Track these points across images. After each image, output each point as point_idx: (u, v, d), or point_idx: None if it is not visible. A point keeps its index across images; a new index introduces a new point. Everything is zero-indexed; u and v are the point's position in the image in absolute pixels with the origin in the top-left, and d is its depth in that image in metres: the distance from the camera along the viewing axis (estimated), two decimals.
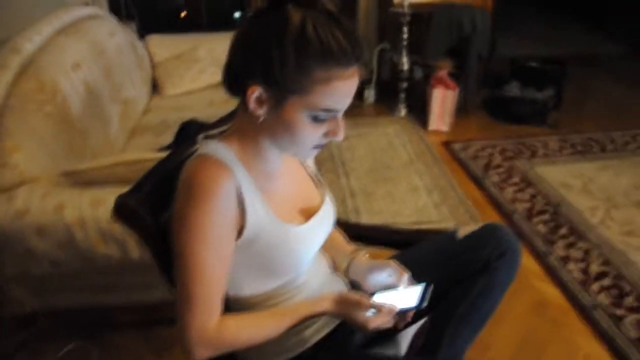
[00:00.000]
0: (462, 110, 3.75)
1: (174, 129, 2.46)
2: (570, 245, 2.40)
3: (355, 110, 4.03)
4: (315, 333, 1.10)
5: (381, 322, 0.98)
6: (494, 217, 2.64)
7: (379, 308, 0.97)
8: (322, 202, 1.11)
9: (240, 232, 0.94)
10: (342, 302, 0.99)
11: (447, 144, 3.39)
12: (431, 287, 1.04)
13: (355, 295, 1.00)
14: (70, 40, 2.35)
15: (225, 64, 0.92)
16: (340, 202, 2.72)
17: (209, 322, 0.92)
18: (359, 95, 4.13)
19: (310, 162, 1.18)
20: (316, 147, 0.95)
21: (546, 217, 2.61)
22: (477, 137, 3.50)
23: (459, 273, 1.16)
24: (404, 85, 3.76)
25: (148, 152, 2.17)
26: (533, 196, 2.79)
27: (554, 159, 3.19)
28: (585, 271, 2.24)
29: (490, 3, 3.68)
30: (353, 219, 2.61)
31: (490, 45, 4.34)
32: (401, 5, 3.46)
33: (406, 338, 1.24)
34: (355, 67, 0.87)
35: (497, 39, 4.63)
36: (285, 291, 1.05)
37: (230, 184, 0.90)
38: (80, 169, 1.71)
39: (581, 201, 2.73)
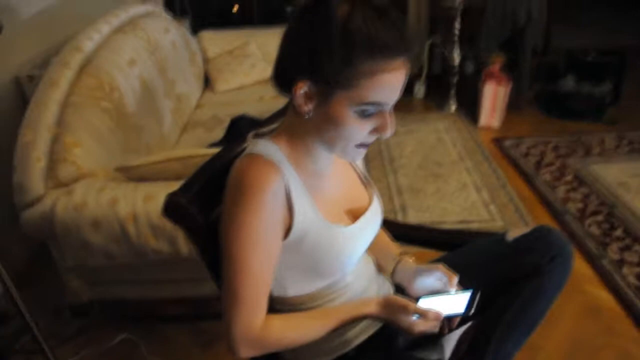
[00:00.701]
0: (514, 105, 3.64)
1: (225, 124, 2.52)
2: (625, 248, 2.31)
3: (405, 105, 3.99)
4: (359, 334, 1.10)
5: (426, 327, 0.97)
6: (544, 217, 2.56)
7: (424, 313, 0.96)
8: (370, 202, 1.11)
9: (287, 232, 0.95)
10: (387, 305, 0.99)
11: (497, 141, 3.32)
12: (479, 294, 1.02)
13: (401, 299, 0.99)
14: (127, 38, 2.43)
15: (275, 60, 0.93)
16: (387, 199, 2.71)
17: (254, 321, 0.94)
18: (409, 90, 4.08)
19: (359, 162, 1.17)
20: (362, 145, 0.92)
21: (600, 218, 2.52)
22: (528, 133, 3.40)
23: (507, 277, 1.13)
24: (455, 80, 3.69)
25: (199, 147, 2.22)
26: (586, 196, 2.70)
27: (610, 157, 3.07)
28: None
29: None
30: (400, 216, 2.59)
31: (545, 38, 4.21)
32: None
33: (450, 342, 1.23)
34: (403, 60, 0.85)
35: (552, 30, 4.47)
36: (330, 292, 1.06)
37: (279, 183, 0.91)
38: (133, 164, 1.77)
39: (638, 202, 2.61)
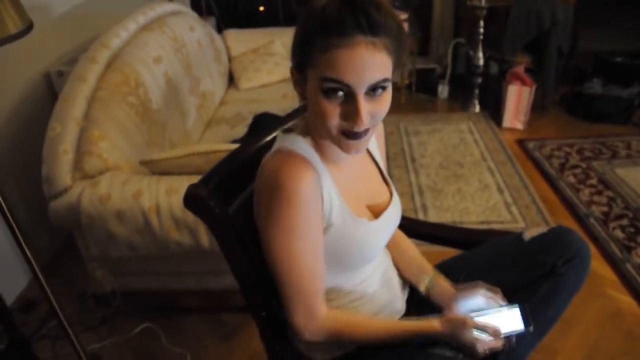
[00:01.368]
0: (538, 107, 3.61)
1: (248, 121, 2.55)
2: None
3: (429, 105, 3.99)
4: None
5: (490, 344, 0.99)
6: (567, 220, 2.54)
7: (483, 327, 0.98)
8: (390, 199, 1.12)
9: None
10: (448, 321, 1.01)
11: (521, 142, 3.29)
12: (527, 307, 1.03)
13: (459, 315, 1.02)
14: (153, 35, 2.48)
15: None
16: (408, 198, 2.71)
17: (315, 312, 0.98)
18: (433, 90, 4.07)
19: (380, 158, 1.18)
20: (344, 134, 0.89)
21: (624, 222, 2.48)
22: (553, 135, 3.36)
23: (524, 276, 1.14)
24: (479, 80, 3.67)
25: (222, 143, 2.25)
26: (611, 199, 2.66)
27: (637, 160, 3.01)
28: None
29: None
30: (421, 215, 2.59)
31: (572, 40, 4.15)
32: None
33: None
34: (362, 40, 0.82)
35: (580, 33, 4.40)
36: (351, 285, 1.07)
37: (315, 179, 0.92)
38: (157, 158, 1.80)
39: None
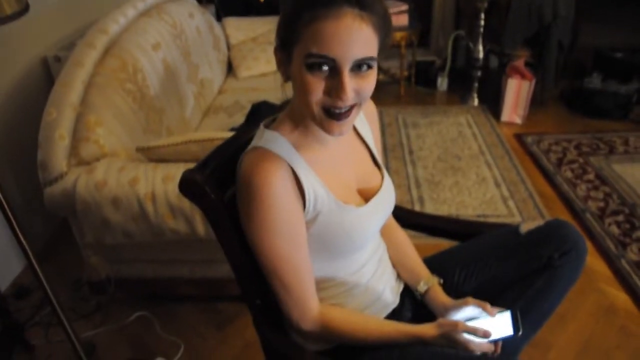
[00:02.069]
0: (538, 102, 3.60)
1: (246, 110, 2.54)
2: None
3: (428, 98, 3.98)
4: None
5: (482, 348, 1.00)
6: (563, 214, 2.54)
7: (473, 330, 0.99)
8: (381, 183, 1.11)
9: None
10: (441, 325, 1.02)
11: (519, 136, 3.28)
12: (518, 313, 1.03)
13: (450, 320, 1.03)
14: (152, 21, 2.46)
15: None
16: (405, 190, 2.70)
17: (309, 304, 1.00)
18: (432, 82, 4.06)
19: (372, 141, 1.17)
20: (327, 111, 0.88)
21: (620, 217, 2.49)
22: (551, 130, 3.36)
23: (519, 269, 1.14)
24: (478, 73, 3.65)
25: (220, 131, 2.24)
26: (608, 195, 2.66)
27: (635, 156, 3.01)
28: None
29: None
30: (417, 207, 2.59)
31: (573, 35, 4.13)
32: None
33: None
34: (349, 11, 0.81)
35: (581, 27, 4.39)
36: (341, 274, 1.07)
37: (285, 174, 0.92)
38: (154, 145, 1.79)
39: None
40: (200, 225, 1.70)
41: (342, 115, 0.88)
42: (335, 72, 0.85)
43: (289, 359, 1.06)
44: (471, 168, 2.94)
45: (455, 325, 1.00)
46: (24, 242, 1.49)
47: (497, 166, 2.94)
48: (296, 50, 0.86)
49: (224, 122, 2.60)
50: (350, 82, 0.85)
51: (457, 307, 1.08)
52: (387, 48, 0.91)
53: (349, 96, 0.85)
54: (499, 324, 1.04)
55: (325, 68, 0.85)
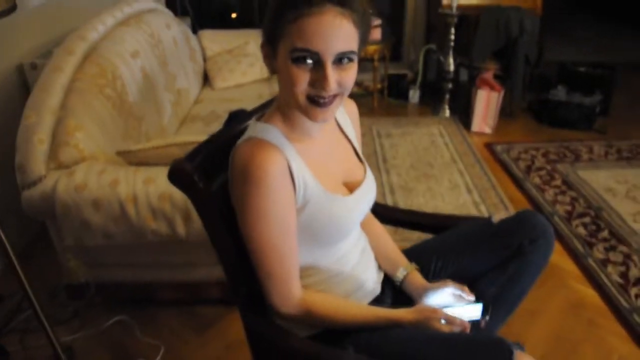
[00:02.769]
0: (507, 113, 3.74)
1: (223, 119, 2.53)
2: (610, 249, 2.38)
3: (400, 109, 4.08)
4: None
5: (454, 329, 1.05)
6: None
7: (452, 320, 1.04)
8: (364, 177, 1.16)
9: None
10: (419, 311, 1.07)
11: (489, 145, 3.39)
12: (490, 306, 1.09)
13: (430, 307, 1.08)
14: (130, 30, 2.48)
15: None
16: (380, 196, 2.76)
17: (291, 291, 1.03)
18: (404, 95, 4.16)
19: (355, 139, 1.22)
20: (312, 100, 0.94)
21: (587, 220, 2.59)
22: (520, 139, 3.48)
23: (492, 257, 1.20)
24: (449, 86, 3.77)
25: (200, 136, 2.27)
26: (574, 199, 2.77)
27: (599, 163, 3.14)
28: (624, 275, 2.21)
29: (540, 6, 3.64)
30: None
31: (538, 49, 4.30)
32: (449, 7, 3.48)
33: None
34: (330, 8, 0.88)
35: (547, 44, 4.57)
36: (328, 263, 1.11)
37: (281, 162, 0.97)
38: (135, 148, 1.81)
39: (624, 207, 2.69)
40: (181, 227, 1.72)
41: (325, 103, 0.94)
42: (318, 65, 0.90)
43: (273, 344, 1.09)
44: (444, 175, 3.02)
45: (434, 312, 1.06)
46: (6, 244, 1.49)
47: (468, 173, 3.03)
48: (282, 45, 0.92)
49: (201, 130, 2.63)
50: (333, 74, 0.91)
51: (436, 289, 1.14)
52: (367, 43, 0.98)
53: (332, 87, 0.91)
54: (470, 311, 1.10)
55: (310, 61, 0.90)
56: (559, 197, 2.79)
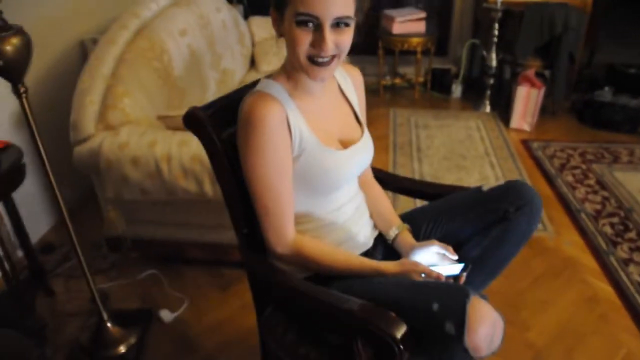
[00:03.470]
0: (549, 112, 3.71)
1: None
2: (635, 249, 2.36)
3: (442, 103, 4.12)
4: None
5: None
6: (559, 213, 2.64)
7: (429, 272, 1.14)
8: (361, 137, 1.28)
9: None
10: (402, 264, 1.17)
11: (526, 142, 3.39)
12: (470, 266, 1.19)
13: (413, 261, 1.19)
14: (181, 10, 2.67)
15: None
16: None
17: (284, 228, 1.15)
18: (447, 89, 4.20)
19: (356, 103, 1.33)
20: (312, 60, 1.06)
21: (615, 220, 2.58)
22: (559, 138, 3.46)
23: (479, 221, 1.27)
24: (491, 81, 3.78)
25: None
26: (606, 199, 2.75)
27: (638, 166, 3.09)
28: None
29: (590, 3, 3.58)
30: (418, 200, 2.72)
31: (589, 50, 4.24)
32: (495, 2, 3.49)
33: None
34: None
35: (599, 45, 4.49)
36: (323, 212, 1.22)
37: (280, 113, 1.10)
38: (174, 114, 1.98)
39: None
40: (209, 187, 1.87)
41: (324, 63, 1.07)
42: (318, 28, 1.03)
43: (268, 280, 1.21)
44: (475, 167, 3.06)
45: (416, 264, 1.16)
46: (60, 200, 1.67)
47: (500, 167, 3.05)
48: (287, 11, 1.05)
49: None
50: (330, 36, 1.03)
51: (422, 247, 1.23)
52: (364, 11, 1.09)
53: (329, 47, 1.04)
54: (452, 269, 1.19)
55: (311, 24, 1.03)
56: (590, 196, 2.78)
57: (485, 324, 0.93)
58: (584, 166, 3.09)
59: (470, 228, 1.29)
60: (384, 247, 1.35)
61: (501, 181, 1.32)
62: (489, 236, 1.25)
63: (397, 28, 3.85)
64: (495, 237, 1.24)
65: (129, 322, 1.94)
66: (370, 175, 1.44)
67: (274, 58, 3.38)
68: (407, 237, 1.31)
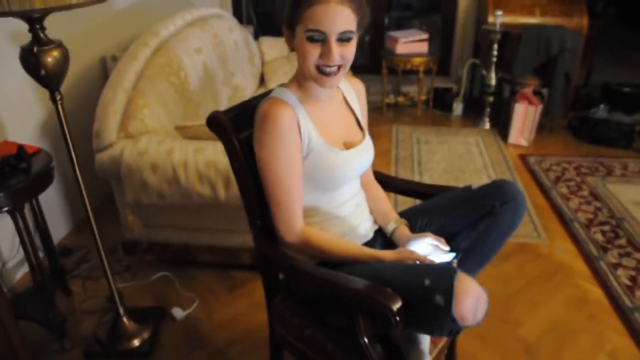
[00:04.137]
0: (546, 128, 3.86)
1: None
2: (624, 255, 2.48)
3: (443, 120, 4.28)
4: None
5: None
6: (553, 223, 2.76)
7: (423, 260, 1.28)
8: (362, 141, 1.43)
9: None
10: (399, 252, 1.31)
11: (523, 157, 3.53)
12: (460, 256, 1.32)
13: (409, 250, 1.33)
14: (196, 30, 2.85)
15: None
16: None
17: (294, 221, 1.29)
18: (448, 107, 4.36)
19: (358, 111, 1.48)
20: (320, 70, 1.21)
21: (606, 228, 2.70)
22: (556, 153, 3.60)
23: (468, 216, 1.41)
24: (490, 99, 3.94)
25: None
26: (598, 209, 2.88)
27: (631, 179, 3.22)
28: (634, 279, 2.32)
29: (586, 25, 3.76)
30: None
31: (586, 71, 4.41)
32: (494, 24, 3.67)
33: None
34: None
35: (596, 66, 4.66)
36: (326, 206, 1.36)
37: (292, 115, 1.25)
38: (190, 124, 2.14)
39: None
40: (222, 191, 2.01)
41: (331, 73, 1.23)
42: (325, 42, 1.19)
43: (280, 266, 1.35)
44: (473, 180, 3.19)
45: (411, 253, 1.30)
46: (88, 206, 1.82)
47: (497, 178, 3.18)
48: (298, 28, 1.21)
49: None
50: (336, 49, 1.19)
51: (418, 238, 1.37)
52: (364, 26, 1.26)
53: (336, 58, 1.20)
54: (444, 259, 1.32)
55: (319, 39, 1.19)
56: (583, 206, 2.90)
57: (470, 296, 1.06)
58: (578, 179, 3.22)
59: (460, 222, 1.42)
60: (383, 239, 1.49)
61: (488, 181, 1.46)
62: (477, 229, 1.38)
63: (401, 48, 4.03)
64: (482, 230, 1.37)
65: (143, 319, 2.06)
66: (371, 177, 1.59)
67: (283, 76, 3.55)
68: (404, 231, 1.45)
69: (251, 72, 3.50)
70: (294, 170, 1.27)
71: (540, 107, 3.59)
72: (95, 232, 1.88)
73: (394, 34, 4.15)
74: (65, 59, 1.48)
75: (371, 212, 1.52)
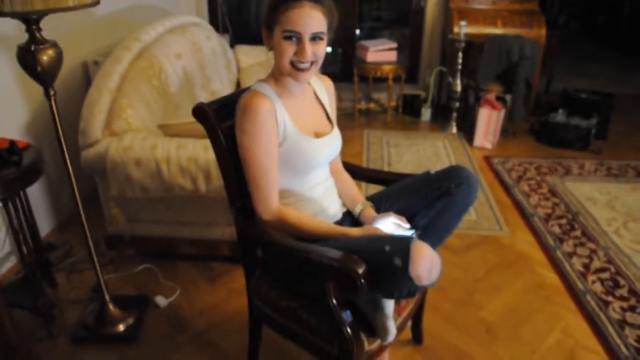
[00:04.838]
0: (509, 132, 4.08)
1: None
2: (579, 245, 2.68)
3: (412, 125, 4.47)
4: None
5: None
6: (514, 217, 2.96)
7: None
8: (331, 131, 1.59)
9: None
10: (365, 230, 1.46)
11: (487, 158, 3.74)
12: (419, 232, 1.49)
13: (374, 227, 1.48)
14: (176, 37, 2.99)
15: None
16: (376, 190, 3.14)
17: (271, 201, 1.43)
18: (417, 113, 4.56)
19: (328, 105, 1.64)
20: (294, 66, 1.37)
21: (563, 221, 2.90)
22: (518, 155, 3.81)
23: (426, 197, 1.57)
24: (457, 105, 4.15)
25: None
26: (556, 204, 3.08)
27: (587, 178, 3.44)
28: (587, 266, 2.51)
29: (543, 36, 4.01)
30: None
31: (547, 79, 4.67)
32: (459, 34, 3.89)
33: None
34: (305, 3, 1.32)
35: (556, 75, 4.93)
36: (299, 190, 1.51)
37: (270, 106, 1.40)
38: (173, 122, 2.27)
39: (601, 213, 2.98)
40: (202, 184, 2.14)
41: (304, 69, 1.39)
42: (300, 41, 1.36)
43: (259, 241, 1.51)
44: None
45: (376, 229, 1.45)
46: (79, 202, 1.93)
47: None
48: (276, 29, 1.37)
49: None
50: (309, 47, 1.36)
51: (382, 217, 1.53)
52: (334, 28, 1.42)
53: (309, 55, 1.36)
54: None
55: (294, 39, 1.35)
56: (542, 202, 3.11)
57: (425, 258, 1.22)
58: (538, 177, 3.43)
59: (420, 203, 1.58)
60: (351, 220, 1.65)
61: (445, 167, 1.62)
62: (434, 208, 1.54)
63: (371, 57, 4.23)
64: (439, 209, 1.54)
65: (128, 306, 2.17)
66: (340, 165, 1.75)
67: None
68: (370, 212, 1.60)
69: (228, 78, 3.65)
70: (271, 155, 1.41)
71: (503, 112, 3.81)
72: (83, 218, 1.98)
73: (364, 42, 4.35)
74: (59, 57, 1.61)
75: (340, 197, 1.67)
